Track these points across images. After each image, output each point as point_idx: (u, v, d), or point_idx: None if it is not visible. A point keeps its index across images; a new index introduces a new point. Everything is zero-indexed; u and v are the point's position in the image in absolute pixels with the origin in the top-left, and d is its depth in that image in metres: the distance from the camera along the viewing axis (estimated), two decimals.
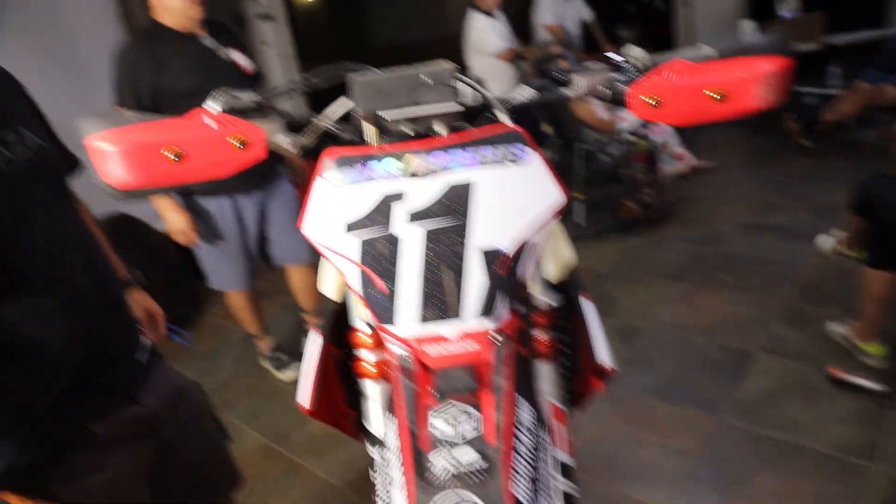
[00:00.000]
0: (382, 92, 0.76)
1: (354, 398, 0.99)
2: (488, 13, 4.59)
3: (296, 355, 2.91)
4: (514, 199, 0.75)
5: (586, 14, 5.35)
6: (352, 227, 0.75)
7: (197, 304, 3.64)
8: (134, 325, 1.28)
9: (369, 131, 0.79)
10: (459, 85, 0.81)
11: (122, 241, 3.29)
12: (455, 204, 0.74)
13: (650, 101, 0.81)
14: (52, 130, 1.27)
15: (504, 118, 0.82)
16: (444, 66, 0.77)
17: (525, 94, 0.90)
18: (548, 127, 4.30)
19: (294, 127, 0.90)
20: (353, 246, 0.75)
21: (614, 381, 2.49)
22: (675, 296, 3.08)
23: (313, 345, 0.93)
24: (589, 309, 0.91)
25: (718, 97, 0.79)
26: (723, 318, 2.82)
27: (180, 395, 1.33)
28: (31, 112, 1.22)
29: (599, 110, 3.99)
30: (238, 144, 0.79)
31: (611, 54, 0.93)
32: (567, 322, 0.97)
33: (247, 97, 0.89)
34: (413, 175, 0.75)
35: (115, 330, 1.21)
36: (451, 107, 0.77)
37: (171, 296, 3.40)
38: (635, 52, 0.94)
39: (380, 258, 0.74)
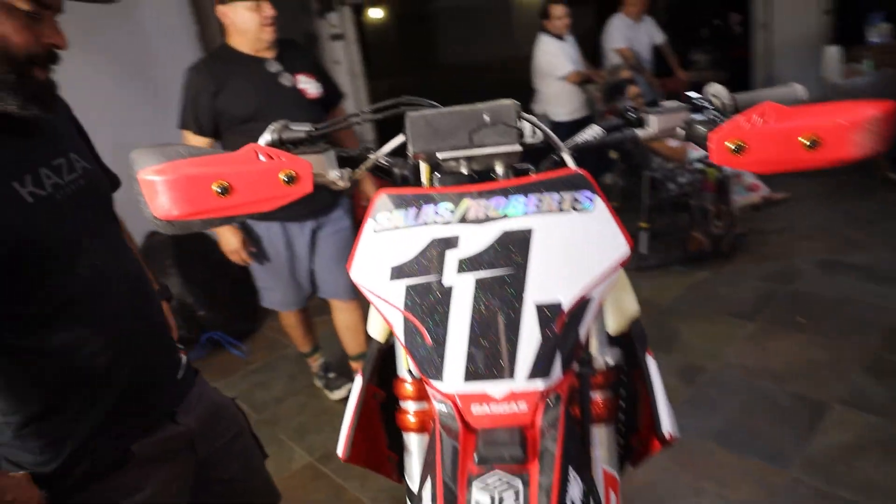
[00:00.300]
0: (438, 130, 0.72)
1: (397, 441, 0.95)
2: (558, 36, 4.54)
3: (347, 375, 2.90)
4: (576, 250, 0.69)
5: (658, 37, 5.22)
6: (398, 273, 0.71)
7: (256, 318, 3.69)
8: (174, 345, 1.31)
9: (424, 170, 0.75)
10: (523, 124, 0.76)
11: (188, 255, 3.40)
12: (510, 253, 0.69)
13: (733, 147, 0.73)
14: (94, 150, 1.28)
15: (568, 159, 0.77)
16: (506, 103, 0.72)
17: (592, 133, 0.85)
18: (614, 152, 4.20)
19: (348, 160, 0.87)
20: (398, 292, 0.70)
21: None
22: (743, 336, 2.91)
23: (356, 388, 0.89)
24: (653, 368, 0.84)
25: (811, 144, 0.71)
26: (796, 363, 2.64)
27: (217, 413, 1.34)
28: (78, 134, 1.24)
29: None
30: (286, 180, 0.76)
31: (691, 93, 0.86)
32: (627, 378, 0.90)
33: (301, 128, 0.86)
34: (467, 220, 0.70)
35: (157, 351, 1.24)
36: (511, 148, 0.72)
37: (232, 309, 3.49)
38: (717, 90, 0.87)
39: (425, 306, 0.69)
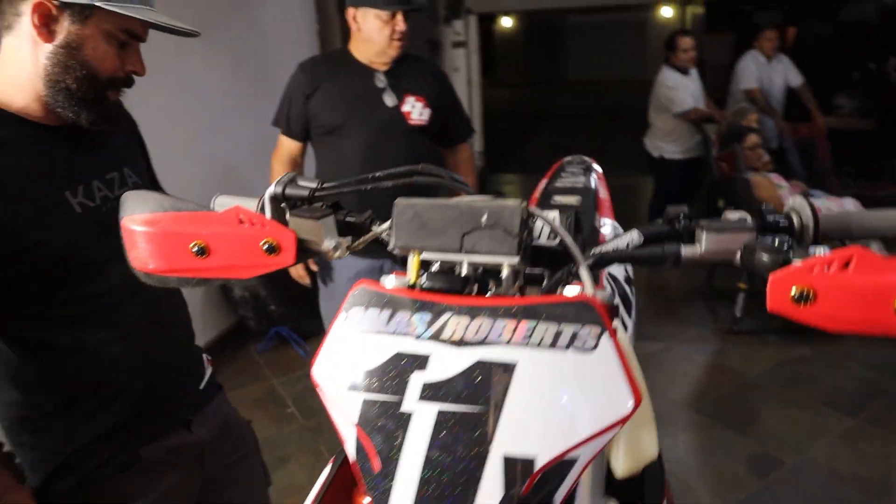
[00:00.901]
0: (426, 225, 0.62)
1: None
2: (682, 70, 4.27)
3: None
4: (565, 399, 0.57)
5: (794, 78, 4.78)
6: (356, 382, 0.61)
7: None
8: (199, 357, 1.35)
9: (411, 264, 0.65)
10: (538, 224, 0.64)
11: None
12: (485, 388, 0.57)
13: (796, 294, 0.58)
14: (151, 168, 1.35)
15: (586, 277, 0.64)
16: (510, 205, 0.60)
17: (628, 240, 0.71)
18: (722, 201, 3.89)
19: (350, 226, 0.79)
20: (353, 404, 0.61)
21: None
22: (837, 431, 2.58)
23: (322, 476, 0.81)
24: None
25: None
26: None
27: (230, 431, 1.37)
28: (139, 152, 1.30)
29: (786, 194, 3.51)
30: (266, 249, 0.69)
31: (765, 209, 0.71)
32: None
33: (308, 185, 0.79)
34: (441, 337, 0.59)
35: (178, 361, 1.28)
36: (506, 259, 0.60)
37: (302, 308, 3.51)
38: (798, 205, 0.71)
39: (379, 429, 0.59)
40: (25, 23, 0.98)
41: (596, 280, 1.30)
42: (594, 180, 1.84)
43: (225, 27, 3.38)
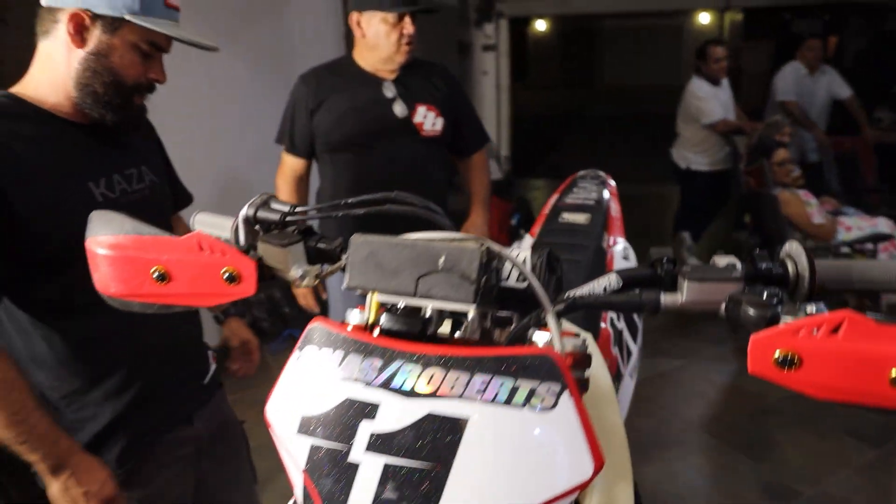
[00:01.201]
0: (381, 265, 0.58)
1: None
2: (713, 80, 4.15)
3: None
4: (518, 461, 0.53)
5: (842, 91, 4.57)
6: (306, 426, 0.59)
7: None
8: (203, 353, 1.40)
9: (370, 303, 0.62)
10: (506, 266, 0.60)
11: None
12: (434, 443, 0.54)
13: (780, 358, 0.54)
14: (171, 169, 1.45)
15: (552, 325, 0.59)
16: (470, 248, 0.56)
17: (605, 284, 0.67)
18: (748, 216, 3.78)
19: (321, 253, 0.76)
20: (302, 448, 0.58)
21: None
22: (859, 463, 2.47)
23: None
24: None
25: None
26: None
27: (225, 429, 1.42)
28: (157, 152, 1.39)
29: (814, 211, 3.39)
30: (227, 278, 0.67)
31: (758, 255, 0.66)
32: None
33: (280, 208, 0.77)
34: (391, 386, 0.56)
35: (184, 358, 1.33)
36: (461, 307, 0.56)
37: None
38: (794, 252, 0.66)
39: (325, 477, 0.57)
40: (61, 30, 1.09)
41: (598, 318, 1.26)
42: (606, 196, 1.78)
43: (249, 32, 3.36)
